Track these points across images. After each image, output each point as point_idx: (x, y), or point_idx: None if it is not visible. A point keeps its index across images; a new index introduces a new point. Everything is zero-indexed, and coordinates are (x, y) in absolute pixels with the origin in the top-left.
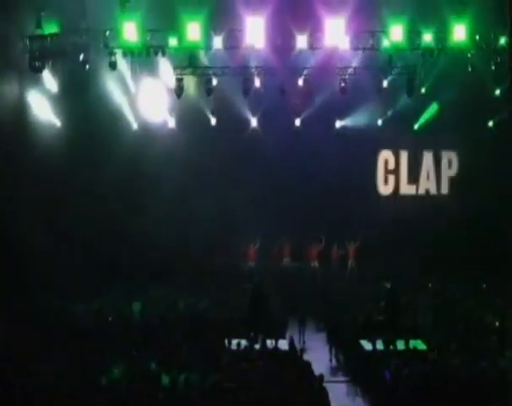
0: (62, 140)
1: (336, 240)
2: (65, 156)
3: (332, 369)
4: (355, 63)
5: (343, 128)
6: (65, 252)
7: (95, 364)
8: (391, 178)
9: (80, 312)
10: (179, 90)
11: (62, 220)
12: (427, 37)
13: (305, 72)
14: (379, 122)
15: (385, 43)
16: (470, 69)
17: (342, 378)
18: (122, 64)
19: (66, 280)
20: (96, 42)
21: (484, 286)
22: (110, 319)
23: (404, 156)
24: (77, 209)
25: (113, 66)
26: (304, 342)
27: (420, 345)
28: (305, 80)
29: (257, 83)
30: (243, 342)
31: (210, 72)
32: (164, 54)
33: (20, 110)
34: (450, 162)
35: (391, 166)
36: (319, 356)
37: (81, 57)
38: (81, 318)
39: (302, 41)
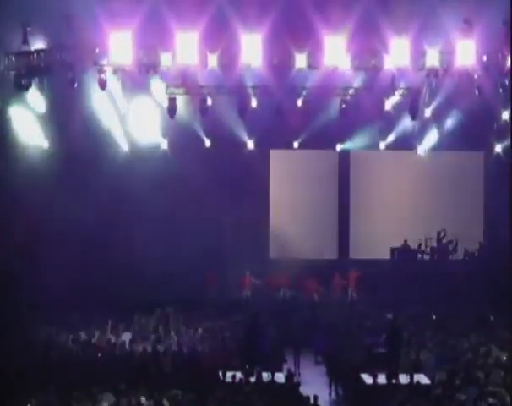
0: (49, 162)
1: (336, 268)
2: (52, 178)
3: (331, 403)
4: (356, 84)
5: (343, 151)
6: (51, 280)
7: (83, 398)
8: (392, 204)
9: (68, 343)
10: (172, 110)
11: (47, 247)
12: (432, 57)
13: (304, 92)
14: (381, 145)
15: (388, 63)
16: (476, 92)
17: None
18: (113, 82)
19: (53, 310)
20: (85, 59)
21: (492, 318)
22: (99, 355)
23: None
24: (63, 235)
25: (103, 84)
26: (299, 375)
27: (423, 380)
28: (304, 101)
29: (253, 103)
30: (238, 375)
31: (205, 91)
32: (156, 72)
33: (5, 130)
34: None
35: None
36: (318, 390)
37: (69, 74)
38: (68, 349)
39: (300, 60)
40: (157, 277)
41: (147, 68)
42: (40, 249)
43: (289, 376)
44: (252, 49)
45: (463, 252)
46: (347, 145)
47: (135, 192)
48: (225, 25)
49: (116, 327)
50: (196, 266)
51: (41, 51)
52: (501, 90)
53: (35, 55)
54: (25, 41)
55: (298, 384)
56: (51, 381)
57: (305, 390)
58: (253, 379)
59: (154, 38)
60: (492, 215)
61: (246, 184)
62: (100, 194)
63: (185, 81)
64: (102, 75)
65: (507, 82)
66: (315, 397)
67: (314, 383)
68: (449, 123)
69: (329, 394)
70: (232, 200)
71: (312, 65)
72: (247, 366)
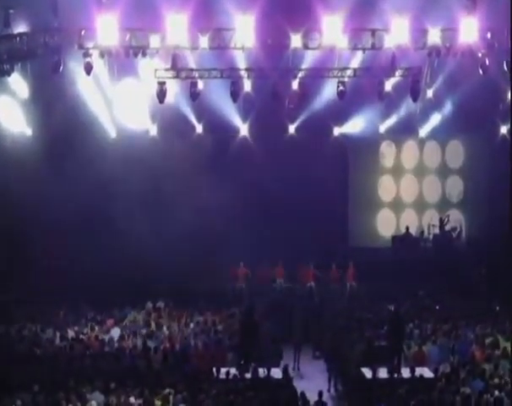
0: (33, 151)
1: (334, 258)
2: (36, 167)
3: (331, 399)
4: (354, 65)
5: (341, 135)
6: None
7: (71, 397)
8: (393, 191)
9: (54, 340)
10: (162, 95)
11: (32, 241)
12: (434, 35)
13: (300, 74)
14: (381, 129)
15: (387, 42)
16: (480, 71)
17: None
18: (99, 66)
19: (38, 307)
20: (70, 43)
21: (498, 308)
22: (88, 352)
23: (408, 166)
24: (48, 226)
25: (89, 68)
26: (299, 369)
27: (427, 373)
28: (300, 83)
29: (247, 86)
30: (233, 371)
31: (196, 74)
32: (145, 55)
33: None
34: (459, 174)
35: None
36: (317, 385)
37: (54, 58)
38: (55, 346)
39: (296, 40)
40: (147, 268)
41: (135, 50)
42: (26, 242)
43: (285, 372)
44: (245, 29)
45: (467, 239)
46: (345, 128)
47: (126, 180)
48: (216, 5)
49: (105, 323)
50: (188, 256)
51: (24, 34)
52: (506, 69)
53: (18, 39)
54: (7, 24)
55: (291, 379)
56: (38, 380)
57: (303, 385)
58: (248, 375)
59: (142, 19)
60: (497, 199)
61: (239, 171)
62: (86, 183)
63: (175, 64)
64: (88, 59)
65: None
66: (320, 393)
67: (313, 378)
68: (452, 104)
69: (328, 390)
70: (225, 189)
71: (308, 45)
72: (242, 362)
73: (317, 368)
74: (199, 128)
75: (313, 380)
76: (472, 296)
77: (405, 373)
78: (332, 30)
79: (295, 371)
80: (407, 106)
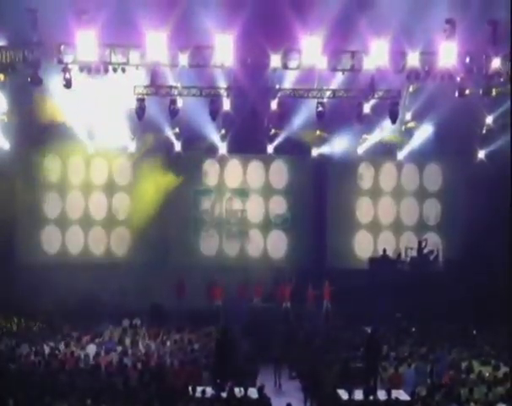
0: (11, 165)
1: (311, 279)
2: (13, 181)
3: None
4: (333, 86)
5: (320, 156)
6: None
7: None
8: (371, 212)
9: (29, 356)
10: (141, 112)
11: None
12: (413, 59)
13: (279, 94)
14: (360, 150)
15: (367, 64)
16: (457, 94)
17: None
18: (78, 81)
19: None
20: (49, 57)
21: (474, 332)
22: (63, 368)
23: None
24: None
25: (68, 84)
26: (280, 386)
27: (402, 396)
28: (279, 103)
29: (226, 105)
30: (209, 390)
31: (175, 92)
32: (124, 71)
33: None
34: (437, 198)
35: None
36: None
37: (33, 72)
38: (30, 362)
39: (275, 60)
40: (123, 285)
41: (114, 66)
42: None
43: (260, 391)
44: (224, 48)
45: (444, 262)
46: (324, 149)
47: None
48: (196, 23)
49: (80, 339)
50: (165, 274)
51: (3, 48)
52: (481, 93)
53: None
54: None
55: (268, 399)
56: (12, 395)
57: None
58: (224, 394)
59: (122, 36)
60: (474, 223)
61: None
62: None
63: (154, 81)
64: (67, 74)
65: (491, 84)
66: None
67: (289, 399)
68: (431, 127)
69: None
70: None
71: (287, 65)
72: (218, 381)
73: (293, 388)
74: (178, 146)
75: (288, 400)
76: (450, 319)
77: (381, 395)
78: (312, 50)
79: (276, 387)
80: (386, 129)
